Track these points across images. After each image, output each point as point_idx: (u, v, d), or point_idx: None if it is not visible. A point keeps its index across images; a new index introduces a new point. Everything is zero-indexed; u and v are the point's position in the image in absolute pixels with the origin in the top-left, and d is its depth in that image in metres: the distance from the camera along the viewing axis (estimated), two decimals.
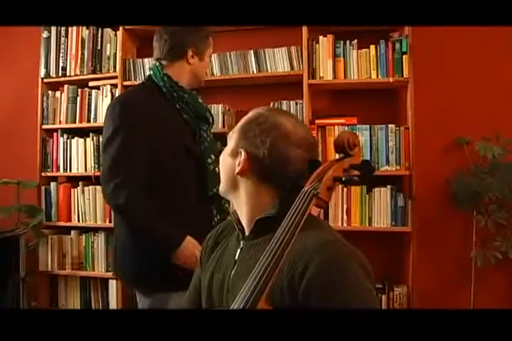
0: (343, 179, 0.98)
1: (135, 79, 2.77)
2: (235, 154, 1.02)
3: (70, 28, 2.87)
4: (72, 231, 2.87)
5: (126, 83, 2.78)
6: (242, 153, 0.99)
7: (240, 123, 1.05)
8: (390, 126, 2.47)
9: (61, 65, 2.88)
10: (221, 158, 1.07)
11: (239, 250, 1.03)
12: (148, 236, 1.62)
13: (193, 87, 1.85)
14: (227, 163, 1.04)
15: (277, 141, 0.97)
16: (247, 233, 1.03)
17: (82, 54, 2.85)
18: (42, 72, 2.91)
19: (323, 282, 0.85)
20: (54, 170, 2.90)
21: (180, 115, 1.76)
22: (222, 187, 1.07)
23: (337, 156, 1.05)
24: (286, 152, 0.97)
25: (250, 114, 1.04)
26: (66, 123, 2.88)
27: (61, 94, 2.91)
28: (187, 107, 1.78)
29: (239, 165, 1.00)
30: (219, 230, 1.17)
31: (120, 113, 1.63)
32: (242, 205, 1.03)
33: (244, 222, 1.04)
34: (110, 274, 2.78)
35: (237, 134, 1.03)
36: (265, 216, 0.98)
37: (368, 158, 2.45)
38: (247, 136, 1.00)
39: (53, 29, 2.90)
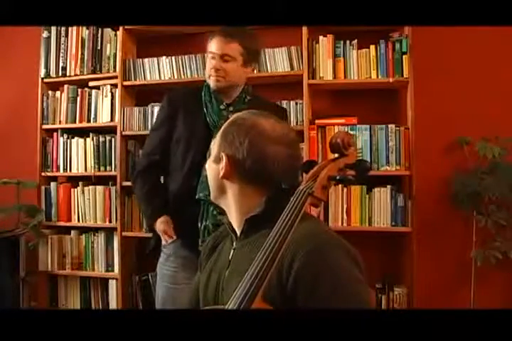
0: (338, 178, 0.99)
1: (135, 79, 2.77)
2: (217, 160, 1.03)
3: (70, 28, 2.86)
4: (72, 231, 2.87)
5: (126, 83, 2.78)
6: (224, 157, 1.01)
7: (221, 130, 1.06)
8: (390, 126, 2.46)
9: (61, 64, 2.88)
10: (207, 166, 1.09)
11: (232, 251, 1.04)
12: (141, 204, 2.03)
13: (212, 86, 1.88)
14: (212, 169, 1.06)
15: (255, 140, 0.99)
16: (238, 233, 1.04)
17: (82, 54, 2.84)
18: (42, 72, 2.91)
19: (309, 273, 0.86)
20: (54, 170, 2.89)
21: (205, 118, 1.86)
22: (211, 194, 1.09)
23: (333, 156, 1.06)
24: (264, 149, 0.98)
25: (230, 119, 1.06)
26: (66, 123, 2.88)
27: (61, 94, 2.91)
28: (208, 112, 1.87)
29: (222, 169, 1.01)
30: (217, 234, 1.19)
31: (162, 104, 2.00)
32: (231, 208, 1.05)
33: (234, 224, 1.05)
34: (110, 274, 2.78)
35: (218, 140, 1.05)
36: (253, 215, 0.99)
37: (368, 158, 2.45)
38: (227, 140, 1.02)
39: (53, 29, 2.89)
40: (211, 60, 1.85)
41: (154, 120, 2.01)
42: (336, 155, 1.04)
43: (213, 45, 1.84)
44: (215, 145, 1.06)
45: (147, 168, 1.96)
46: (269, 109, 1.82)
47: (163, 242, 1.88)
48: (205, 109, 1.87)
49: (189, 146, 1.85)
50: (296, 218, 0.90)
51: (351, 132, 2.45)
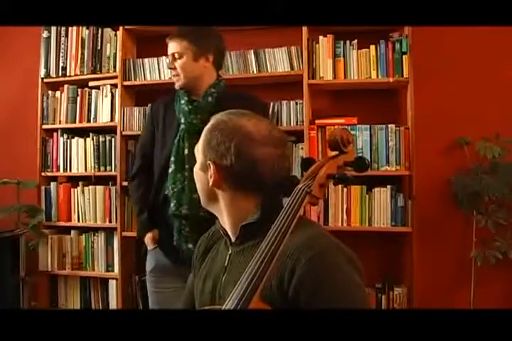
0: (337, 176, 0.98)
1: (135, 79, 2.77)
2: (204, 167, 1.00)
3: (70, 28, 2.86)
4: (72, 231, 2.87)
5: (126, 83, 2.77)
6: (211, 165, 0.98)
7: (202, 134, 1.02)
8: (390, 126, 2.46)
9: (61, 65, 2.88)
10: (194, 173, 1.06)
11: (228, 256, 1.02)
12: (134, 208, 2.16)
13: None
14: (200, 177, 1.03)
15: (241, 144, 0.95)
16: (233, 239, 1.03)
17: (82, 54, 2.84)
18: (42, 72, 2.91)
19: (311, 280, 0.85)
20: (54, 170, 2.89)
21: (176, 117, 1.92)
22: (202, 201, 1.06)
23: (332, 153, 1.04)
24: (252, 153, 0.95)
25: (210, 123, 1.02)
26: (66, 123, 2.88)
27: (61, 94, 2.91)
28: (176, 111, 1.93)
29: (211, 177, 0.98)
30: (209, 235, 1.17)
31: (147, 114, 2.16)
32: (223, 215, 1.02)
33: (228, 229, 1.03)
34: (110, 274, 2.78)
35: (202, 146, 1.01)
36: (249, 222, 0.97)
37: (368, 158, 2.45)
38: (212, 146, 0.98)
39: (53, 29, 2.89)
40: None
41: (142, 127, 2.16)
42: (335, 152, 1.03)
43: (168, 48, 1.93)
44: (198, 151, 1.03)
45: (139, 171, 2.05)
46: (243, 102, 1.79)
47: (148, 248, 1.98)
48: (176, 108, 1.94)
49: (164, 146, 1.92)
50: (295, 217, 0.89)
51: (351, 132, 2.45)
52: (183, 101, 1.91)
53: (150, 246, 1.97)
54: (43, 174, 2.90)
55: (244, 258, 0.97)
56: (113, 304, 2.78)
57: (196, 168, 1.04)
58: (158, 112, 2.00)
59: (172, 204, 1.84)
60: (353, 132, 2.45)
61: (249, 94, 2.07)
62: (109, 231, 2.80)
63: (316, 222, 1.08)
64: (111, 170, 2.78)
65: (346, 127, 2.49)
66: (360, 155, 2.33)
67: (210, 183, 0.99)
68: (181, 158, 1.85)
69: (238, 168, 0.96)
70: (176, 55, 1.90)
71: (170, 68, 1.94)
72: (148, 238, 1.97)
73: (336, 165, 1.00)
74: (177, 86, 1.93)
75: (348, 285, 0.87)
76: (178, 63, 1.90)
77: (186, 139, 1.86)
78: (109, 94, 2.81)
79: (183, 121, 1.88)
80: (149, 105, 2.13)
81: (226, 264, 1.02)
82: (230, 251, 1.03)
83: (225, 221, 1.03)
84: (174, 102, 1.96)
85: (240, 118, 1.00)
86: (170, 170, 1.86)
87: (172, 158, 1.86)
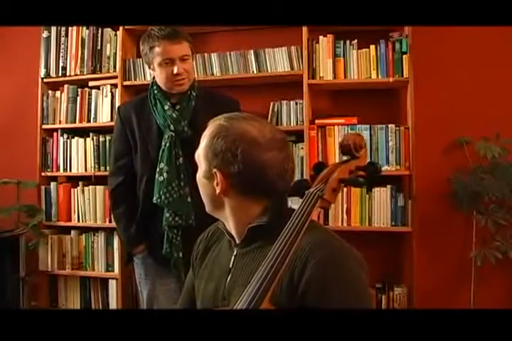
0: (349, 181, 0.98)
1: (135, 79, 2.77)
2: (210, 176, 0.98)
3: (70, 28, 2.87)
4: (72, 231, 2.87)
5: (126, 83, 2.77)
6: (217, 173, 0.96)
7: (203, 142, 1.00)
8: (390, 126, 2.47)
9: (61, 64, 2.88)
10: (198, 180, 1.04)
11: (232, 258, 1.02)
12: (117, 227, 2.03)
13: (175, 92, 1.87)
14: (205, 185, 1.01)
15: (247, 151, 0.94)
16: (237, 241, 1.02)
17: (82, 54, 2.84)
18: (42, 72, 2.91)
19: (320, 280, 0.86)
20: (54, 170, 2.89)
21: (155, 121, 1.87)
22: (207, 208, 1.05)
23: (344, 158, 1.05)
24: (260, 159, 0.94)
25: (211, 129, 0.99)
26: (66, 123, 2.88)
27: (61, 94, 2.91)
28: (156, 115, 1.87)
29: (218, 185, 0.97)
30: (209, 234, 1.16)
31: (115, 121, 1.99)
32: (229, 219, 1.02)
33: (233, 231, 1.03)
34: (110, 274, 2.78)
35: (204, 154, 0.99)
36: (257, 224, 0.97)
37: (368, 158, 2.44)
38: (216, 154, 0.96)
39: (53, 29, 2.89)
40: (168, 67, 1.81)
41: (114, 135, 2.02)
42: (347, 157, 1.03)
43: (166, 51, 1.80)
44: (200, 159, 1.01)
45: (120, 185, 1.95)
46: (220, 103, 1.80)
47: (135, 258, 1.97)
48: (153, 113, 1.87)
49: (147, 154, 1.86)
50: (307, 220, 0.89)
51: (351, 132, 2.45)
52: (167, 107, 1.85)
53: (138, 256, 1.95)
54: (43, 174, 2.89)
55: (249, 260, 0.97)
56: (113, 304, 2.78)
57: (199, 176, 1.02)
58: (130, 117, 1.90)
59: (167, 215, 1.81)
60: (352, 132, 2.45)
61: (219, 93, 2.05)
62: (109, 231, 2.80)
63: (323, 225, 1.08)
64: None
65: (346, 127, 2.49)
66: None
67: (218, 191, 0.97)
68: (176, 167, 1.81)
69: (246, 175, 0.94)
70: (186, 57, 1.83)
71: (178, 73, 1.80)
72: (136, 251, 1.94)
73: (347, 169, 1.00)
74: (182, 89, 1.84)
75: (357, 286, 0.88)
76: (186, 66, 1.83)
77: (179, 147, 1.81)
78: (109, 94, 2.81)
79: (172, 128, 1.82)
80: (117, 108, 2.01)
81: (231, 266, 1.01)
82: (235, 253, 1.02)
83: (230, 224, 1.02)
84: (148, 105, 1.89)
85: (241, 122, 0.97)
86: (160, 179, 1.80)
87: (164, 167, 1.80)
